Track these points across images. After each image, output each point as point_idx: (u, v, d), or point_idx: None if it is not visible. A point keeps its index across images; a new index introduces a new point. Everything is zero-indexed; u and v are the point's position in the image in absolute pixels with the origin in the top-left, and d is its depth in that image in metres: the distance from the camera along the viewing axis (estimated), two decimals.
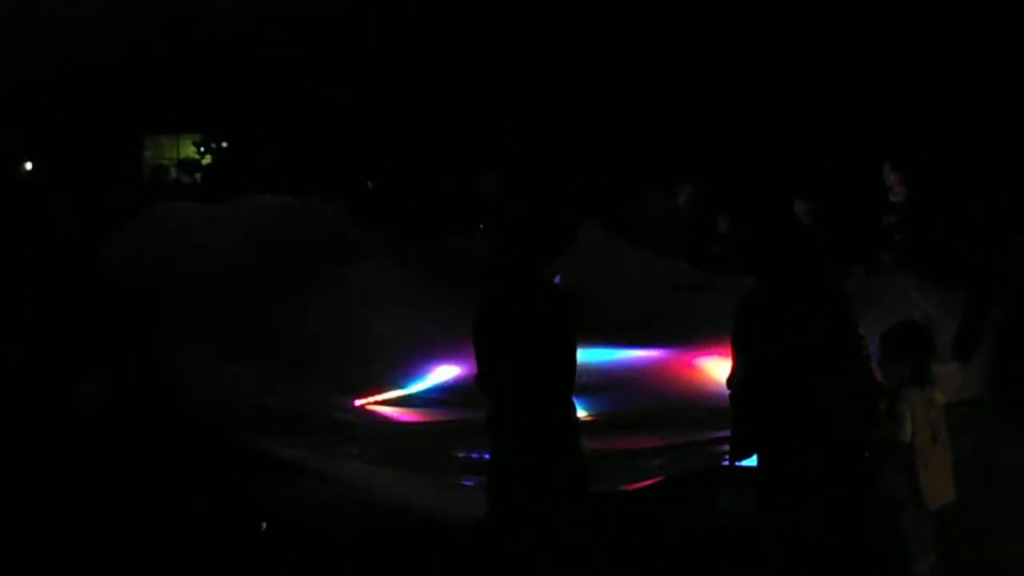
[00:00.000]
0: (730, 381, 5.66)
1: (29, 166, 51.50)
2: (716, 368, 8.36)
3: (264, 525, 7.28)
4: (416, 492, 7.93)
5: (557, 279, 12.57)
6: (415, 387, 9.51)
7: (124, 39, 45.33)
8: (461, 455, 8.26)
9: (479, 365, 5.58)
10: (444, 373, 9.48)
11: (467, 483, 7.72)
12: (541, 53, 20.88)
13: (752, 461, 5.95)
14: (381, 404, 9.29)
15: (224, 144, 33.46)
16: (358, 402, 9.20)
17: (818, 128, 16.73)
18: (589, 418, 8.26)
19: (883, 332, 6.12)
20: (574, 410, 5.65)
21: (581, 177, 17.01)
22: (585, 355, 8.95)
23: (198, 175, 35.95)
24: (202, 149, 35.86)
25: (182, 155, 40.89)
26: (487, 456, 5.96)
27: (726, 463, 6.08)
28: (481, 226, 16.55)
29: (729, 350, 5.72)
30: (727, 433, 6.57)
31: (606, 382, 9.34)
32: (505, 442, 5.52)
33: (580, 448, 5.80)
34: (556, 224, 5.85)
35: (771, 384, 5.38)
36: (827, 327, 5.42)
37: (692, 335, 9.67)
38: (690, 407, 8.84)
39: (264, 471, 7.36)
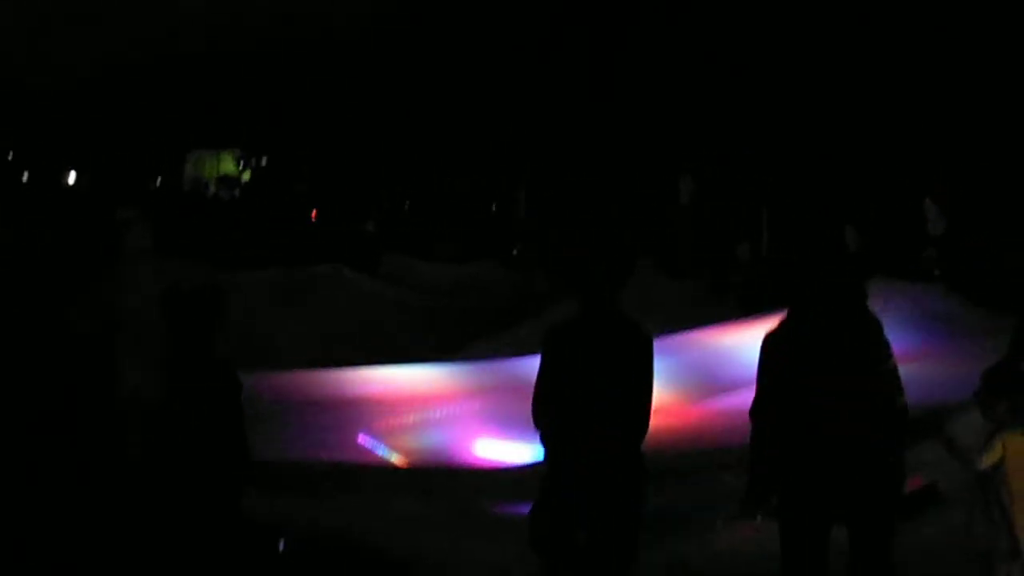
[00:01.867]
0: (753, 412, 5.42)
1: (72, 177, 52.21)
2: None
3: (282, 543, 7.07)
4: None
5: None
6: None
7: (168, 54, 45.84)
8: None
9: (544, 394, 5.10)
10: None
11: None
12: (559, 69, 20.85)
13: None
14: None
15: (264, 160, 33.61)
16: None
17: (860, 155, 16.52)
18: None
19: (987, 369, 5.90)
20: (642, 458, 5.19)
21: (615, 195, 16.83)
22: None
23: (237, 191, 36.15)
24: (241, 164, 36.04)
25: (222, 170, 41.11)
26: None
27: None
28: (515, 251, 16.47)
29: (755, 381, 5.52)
30: None
31: None
32: (568, 478, 5.00)
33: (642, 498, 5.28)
34: (629, 249, 5.59)
35: (799, 414, 5.17)
36: (858, 356, 5.22)
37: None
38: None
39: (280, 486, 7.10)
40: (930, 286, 10.30)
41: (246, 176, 35.76)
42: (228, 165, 39.05)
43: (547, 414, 5.19)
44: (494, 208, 20.76)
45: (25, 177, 51.56)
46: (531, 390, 5.30)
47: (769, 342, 5.29)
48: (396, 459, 8.55)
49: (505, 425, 8.64)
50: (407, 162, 24.71)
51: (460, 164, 22.82)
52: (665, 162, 17.28)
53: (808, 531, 5.15)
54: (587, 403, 5.12)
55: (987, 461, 5.58)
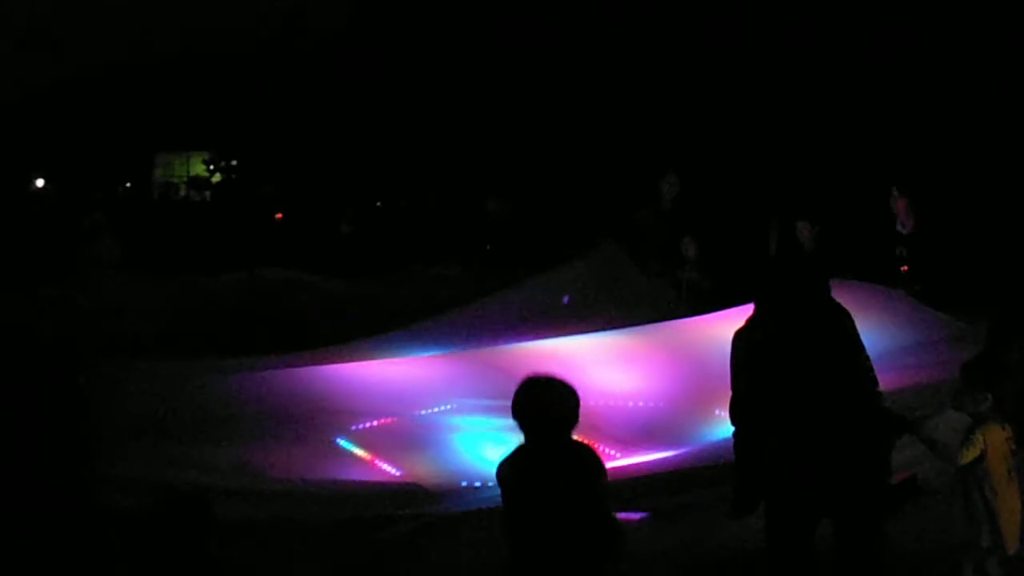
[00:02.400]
0: (732, 414, 5.41)
1: (40, 183, 51.78)
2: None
3: None
4: None
5: (566, 300, 12.62)
6: None
7: (135, 57, 45.52)
8: None
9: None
10: None
11: None
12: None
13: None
14: None
15: (233, 162, 33.47)
16: None
17: (823, 151, 16.61)
18: None
19: (965, 362, 5.94)
20: None
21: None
22: None
23: (208, 193, 36.03)
24: (211, 167, 35.86)
25: (192, 172, 40.92)
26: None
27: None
28: (488, 247, 16.47)
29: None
30: None
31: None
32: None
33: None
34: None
35: (778, 411, 5.17)
36: (832, 349, 5.22)
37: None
38: None
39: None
40: (898, 290, 10.40)
41: (216, 178, 35.58)
42: (198, 167, 38.85)
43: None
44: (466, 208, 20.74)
45: None
46: None
47: (739, 342, 5.28)
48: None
49: None
50: (379, 162, 24.67)
51: (434, 165, 22.81)
52: (647, 165, 17.38)
53: (794, 526, 5.15)
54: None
55: (967, 456, 5.65)
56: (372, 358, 9.71)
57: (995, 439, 5.75)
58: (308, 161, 26.68)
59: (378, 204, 25.86)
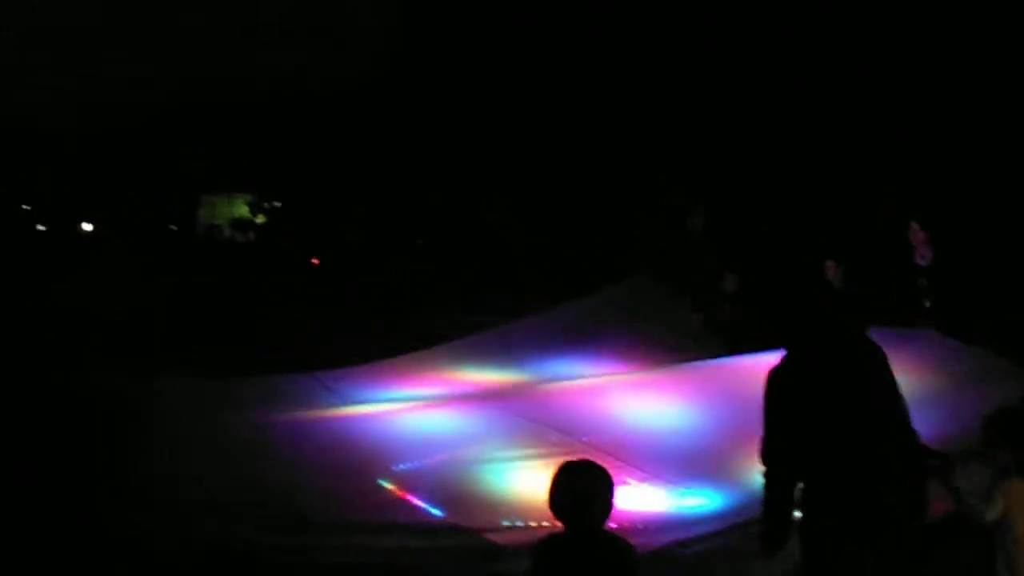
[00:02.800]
0: (763, 456, 5.48)
1: (88, 227, 52.59)
2: None
3: None
4: None
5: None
6: None
7: (177, 100, 46.19)
8: None
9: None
10: None
11: None
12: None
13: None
14: None
15: (277, 204, 33.90)
16: None
17: (845, 188, 16.62)
18: None
19: (988, 415, 5.96)
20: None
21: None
22: None
23: (252, 234, 36.51)
24: (254, 209, 36.37)
25: (236, 214, 41.44)
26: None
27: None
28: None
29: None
30: None
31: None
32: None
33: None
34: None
35: (811, 449, 5.25)
36: (866, 387, 5.29)
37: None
38: None
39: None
40: (928, 332, 10.42)
41: (260, 219, 36.05)
42: (241, 209, 39.36)
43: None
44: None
45: (41, 228, 52.19)
46: None
47: (772, 382, 5.37)
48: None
49: None
50: (421, 202, 24.95)
51: (473, 200, 23.04)
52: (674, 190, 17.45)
53: (832, 556, 5.20)
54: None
55: (991, 514, 5.70)
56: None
57: (1017, 494, 5.77)
58: (349, 201, 27.00)
59: (420, 242, 26.18)
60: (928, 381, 8.92)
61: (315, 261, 23.70)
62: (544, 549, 4.83)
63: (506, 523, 8.39)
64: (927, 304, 11.20)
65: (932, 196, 14.20)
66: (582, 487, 4.83)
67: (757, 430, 5.58)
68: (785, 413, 5.32)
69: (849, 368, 5.30)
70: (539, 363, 11.38)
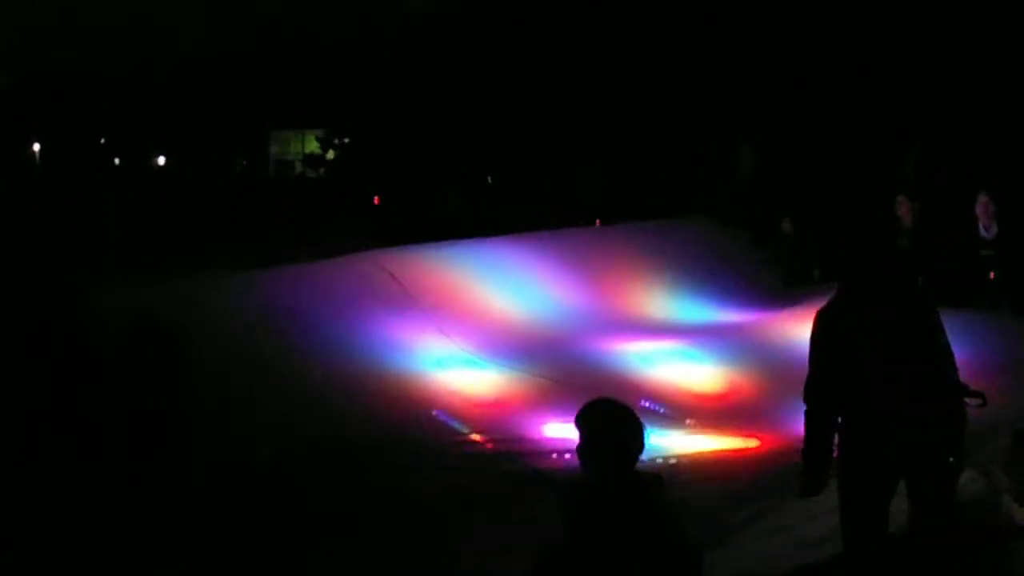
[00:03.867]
0: (808, 392, 5.37)
1: (162, 160, 53.37)
2: None
3: None
4: None
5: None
6: None
7: (249, 37, 46.51)
8: None
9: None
10: None
11: None
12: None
13: None
14: None
15: (347, 140, 33.96)
16: None
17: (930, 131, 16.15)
18: None
19: (1017, 429, 5.87)
20: None
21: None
22: None
23: (322, 170, 36.68)
24: (324, 145, 36.49)
25: (306, 150, 41.64)
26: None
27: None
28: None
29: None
30: None
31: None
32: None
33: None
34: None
35: (854, 390, 5.18)
36: (914, 331, 5.20)
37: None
38: None
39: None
40: (993, 314, 10.24)
41: (330, 155, 36.16)
42: (312, 145, 39.51)
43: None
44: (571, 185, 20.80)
45: (117, 161, 53.06)
46: None
47: (822, 320, 5.28)
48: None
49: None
50: (485, 141, 24.84)
51: (538, 143, 22.87)
52: (726, 133, 17.20)
53: (868, 491, 5.13)
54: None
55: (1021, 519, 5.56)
56: None
57: None
58: (417, 139, 26.96)
59: (488, 179, 26.11)
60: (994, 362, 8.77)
61: (376, 200, 23.74)
62: (577, 496, 4.48)
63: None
64: (991, 276, 10.99)
65: (998, 169, 13.78)
66: (614, 429, 4.49)
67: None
68: (832, 351, 5.19)
69: (897, 310, 5.17)
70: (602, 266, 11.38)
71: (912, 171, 13.75)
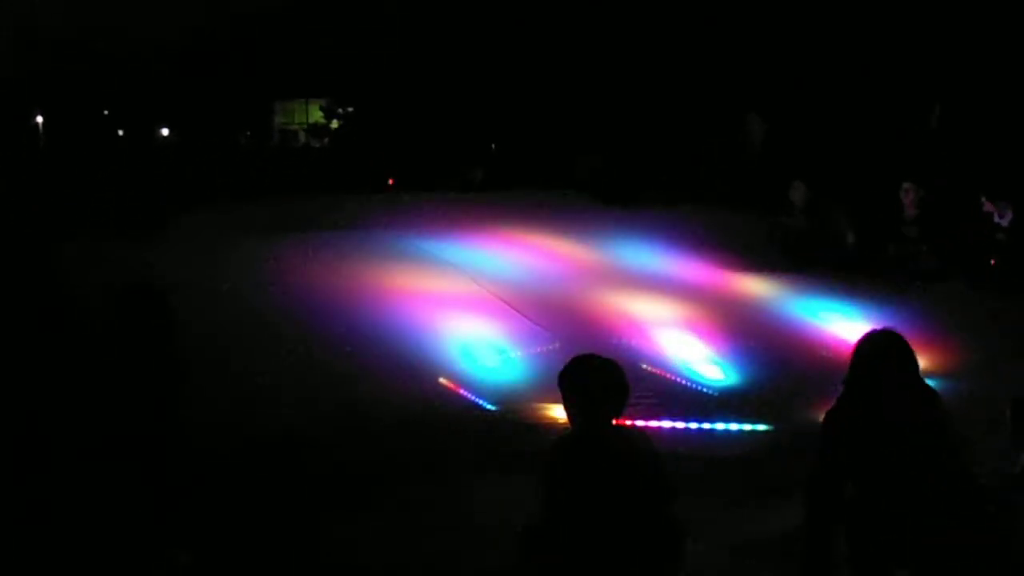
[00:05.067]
0: (813, 485, 5.22)
1: (165, 132, 53.22)
2: None
3: None
4: None
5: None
6: None
7: (253, 6, 46.24)
8: None
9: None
10: None
11: None
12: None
13: None
14: None
15: (350, 109, 33.69)
16: None
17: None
18: None
19: (1017, 397, 5.74)
20: None
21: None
22: None
23: (327, 140, 36.46)
24: (328, 114, 36.24)
25: (311, 120, 41.44)
26: None
27: None
28: None
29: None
30: None
31: None
32: None
33: None
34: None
35: (868, 484, 5.09)
36: (925, 429, 5.11)
37: None
38: None
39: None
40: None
41: (334, 125, 35.90)
42: (316, 114, 39.29)
43: None
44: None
45: (120, 132, 52.93)
46: None
47: (832, 422, 5.15)
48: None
49: None
50: (494, 110, 24.61)
51: (540, 121, 22.66)
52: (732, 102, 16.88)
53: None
54: None
55: None
56: None
57: None
58: (426, 110, 26.74)
59: (493, 146, 25.91)
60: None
61: (391, 181, 23.39)
62: (556, 449, 4.56)
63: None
64: (993, 262, 10.93)
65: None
66: (592, 383, 4.53)
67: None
68: (842, 452, 5.08)
69: (906, 411, 5.08)
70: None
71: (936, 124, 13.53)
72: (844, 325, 9.58)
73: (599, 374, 4.47)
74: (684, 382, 8.64)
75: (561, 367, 4.56)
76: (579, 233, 10.96)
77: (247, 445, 6.43)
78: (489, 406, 8.03)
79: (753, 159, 13.10)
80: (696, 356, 9.06)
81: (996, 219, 10.93)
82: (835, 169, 14.59)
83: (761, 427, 7.99)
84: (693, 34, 18.85)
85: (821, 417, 5.10)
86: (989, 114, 14.92)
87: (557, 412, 6.78)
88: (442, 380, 8.24)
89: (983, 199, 11.01)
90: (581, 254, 10.63)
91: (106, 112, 53.63)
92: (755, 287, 10.44)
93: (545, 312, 9.26)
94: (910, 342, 4.99)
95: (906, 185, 11.71)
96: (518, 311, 9.20)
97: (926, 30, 15.73)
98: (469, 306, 9.18)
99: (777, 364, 8.89)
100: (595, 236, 10.91)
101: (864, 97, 16.00)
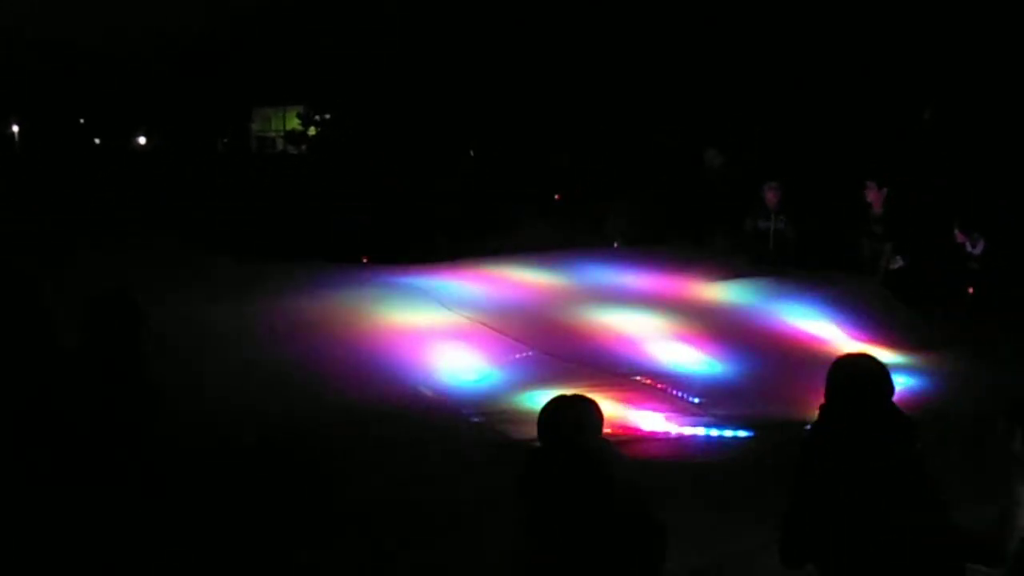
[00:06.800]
0: (785, 551, 5.15)
1: (143, 140, 53.12)
2: None
3: None
4: None
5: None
6: None
7: (229, 14, 46.16)
8: None
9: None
10: None
11: None
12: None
13: None
14: None
15: (327, 116, 33.66)
16: None
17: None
18: None
19: (1012, 399, 5.64)
20: None
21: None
22: None
23: (304, 147, 36.43)
24: (306, 121, 36.22)
25: (288, 127, 41.42)
26: None
27: None
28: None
29: None
30: None
31: None
32: None
33: None
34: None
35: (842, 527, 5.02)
36: (900, 473, 5.05)
37: None
38: None
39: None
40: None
41: (311, 132, 35.88)
42: (293, 122, 39.29)
43: None
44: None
45: (97, 141, 52.75)
46: None
47: (810, 456, 5.06)
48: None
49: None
50: (467, 119, 24.62)
51: (516, 126, 22.69)
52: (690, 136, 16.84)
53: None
54: None
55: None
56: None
57: None
58: (404, 114, 26.71)
59: (471, 153, 25.90)
60: None
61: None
62: (529, 467, 4.69)
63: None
64: (970, 291, 11.07)
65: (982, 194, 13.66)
66: (565, 421, 4.64)
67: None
68: (816, 500, 5.01)
69: (883, 450, 5.03)
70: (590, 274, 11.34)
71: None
72: (818, 324, 9.83)
73: (571, 412, 4.59)
74: (661, 387, 8.70)
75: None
76: (547, 264, 11.06)
77: (223, 456, 6.44)
78: (471, 416, 8.07)
79: (712, 192, 13.21)
80: (675, 362, 9.15)
81: (968, 249, 11.08)
82: (814, 168, 14.70)
83: (742, 433, 8.06)
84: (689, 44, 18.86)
85: (801, 417, 5.05)
86: (983, 115, 15.00)
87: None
88: (422, 388, 8.29)
89: (956, 231, 11.13)
90: (548, 281, 10.71)
91: (82, 120, 53.42)
92: (726, 293, 10.52)
93: (516, 327, 9.31)
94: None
95: (868, 183, 11.87)
96: (488, 326, 9.25)
97: (922, 30, 15.80)
98: (441, 332, 9.24)
99: (757, 368, 8.96)
100: (563, 265, 11.01)
101: (857, 97, 16.07)
